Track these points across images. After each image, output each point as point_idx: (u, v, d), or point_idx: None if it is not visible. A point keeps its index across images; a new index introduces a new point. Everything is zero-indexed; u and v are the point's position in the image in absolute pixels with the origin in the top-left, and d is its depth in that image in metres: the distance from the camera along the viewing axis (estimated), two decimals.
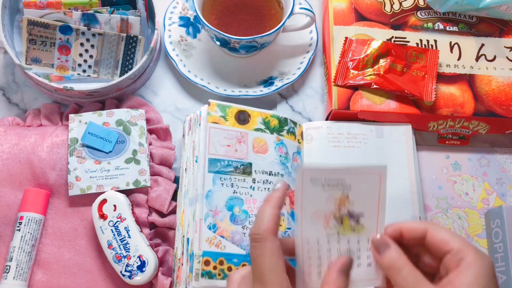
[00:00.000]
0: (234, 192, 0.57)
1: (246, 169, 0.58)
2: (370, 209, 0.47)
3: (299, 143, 0.63)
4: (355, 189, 0.47)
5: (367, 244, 0.47)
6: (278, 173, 0.59)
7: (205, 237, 0.55)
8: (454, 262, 0.45)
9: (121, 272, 0.57)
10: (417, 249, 0.48)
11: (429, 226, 0.47)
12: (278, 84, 0.68)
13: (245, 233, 0.56)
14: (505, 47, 0.69)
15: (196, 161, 0.59)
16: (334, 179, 0.47)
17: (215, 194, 0.57)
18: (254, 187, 0.58)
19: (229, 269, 0.54)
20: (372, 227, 0.47)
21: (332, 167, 0.47)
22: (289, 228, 0.58)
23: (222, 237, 0.55)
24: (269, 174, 0.59)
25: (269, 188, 0.58)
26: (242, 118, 0.61)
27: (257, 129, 0.61)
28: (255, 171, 0.59)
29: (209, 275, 0.53)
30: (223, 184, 0.57)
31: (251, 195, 0.58)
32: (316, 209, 0.47)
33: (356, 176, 0.47)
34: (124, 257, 0.57)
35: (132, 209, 0.59)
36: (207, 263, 0.54)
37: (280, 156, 0.60)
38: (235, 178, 0.58)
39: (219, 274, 0.53)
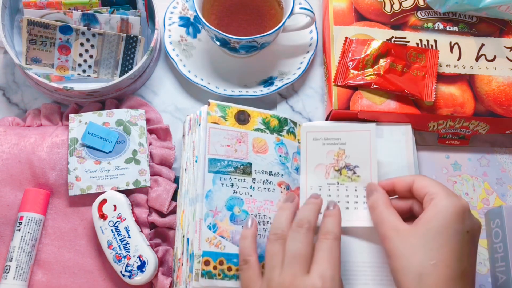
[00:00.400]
0: (234, 192, 0.57)
1: (246, 169, 0.58)
2: (364, 162, 0.59)
3: (299, 143, 0.63)
4: (349, 145, 0.60)
5: (363, 192, 0.58)
6: (278, 173, 0.59)
7: (205, 237, 0.55)
8: (427, 203, 0.51)
9: (121, 272, 0.57)
10: (410, 201, 0.55)
11: (416, 177, 0.54)
12: (278, 84, 0.68)
13: None
14: (505, 47, 0.69)
15: (196, 161, 0.59)
16: (331, 137, 0.60)
17: (215, 194, 0.57)
18: (254, 187, 0.58)
19: (229, 269, 0.54)
20: (367, 177, 0.59)
21: (330, 128, 0.61)
22: None
23: (222, 237, 0.55)
24: (269, 174, 0.59)
25: (269, 189, 0.58)
26: (242, 118, 0.61)
27: (257, 129, 0.61)
28: (255, 171, 0.59)
29: (209, 275, 0.53)
30: (223, 184, 0.57)
31: (251, 195, 0.58)
32: (318, 163, 0.60)
33: (349, 134, 0.60)
34: (124, 257, 0.57)
35: (132, 209, 0.59)
36: (207, 263, 0.54)
37: (280, 156, 0.60)
38: (235, 178, 0.58)
39: (219, 274, 0.54)
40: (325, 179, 0.60)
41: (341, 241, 0.53)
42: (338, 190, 0.59)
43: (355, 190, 0.59)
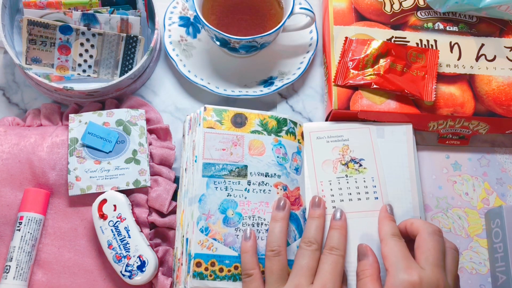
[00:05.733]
0: (228, 195, 0.57)
1: (241, 171, 0.59)
2: (368, 155, 0.62)
3: (299, 143, 0.63)
4: (352, 140, 0.63)
5: (372, 182, 0.61)
6: (275, 174, 0.59)
7: (197, 239, 0.55)
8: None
9: (121, 272, 0.57)
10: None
11: (382, 241, 0.55)
12: (278, 84, 0.68)
13: (238, 235, 0.56)
14: (505, 47, 0.69)
15: (195, 161, 0.59)
16: (334, 135, 0.63)
17: (209, 198, 0.57)
18: (249, 189, 0.58)
19: (221, 270, 0.55)
20: (373, 168, 0.62)
21: (332, 127, 0.64)
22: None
23: (215, 239, 0.55)
24: (265, 176, 0.59)
25: (264, 190, 0.58)
26: (239, 121, 0.61)
27: (253, 131, 0.61)
28: (250, 173, 0.59)
29: (201, 276, 0.54)
30: (217, 188, 0.57)
31: (245, 197, 0.58)
32: (325, 159, 0.62)
33: (351, 131, 0.63)
34: (124, 257, 0.57)
35: (132, 209, 0.59)
36: (198, 264, 0.54)
37: (278, 157, 0.60)
38: (230, 181, 0.58)
39: (211, 275, 0.54)
40: (333, 173, 0.61)
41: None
42: (347, 182, 0.61)
43: (364, 181, 0.61)
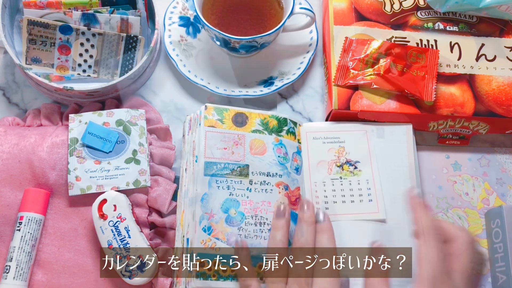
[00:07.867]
0: (230, 194, 0.57)
1: (242, 170, 0.59)
2: (364, 158, 0.62)
3: (299, 143, 0.63)
4: (348, 142, 0.63)
5: (367, 185, 0.61)
6: (276, 173, 0.59)
7: (199, 239, 0.55)
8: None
9: (121, 272, 0.57)
10: None
11: (418, 242, 0.53)
12: (278, 84, 0.68)
13: (240, 234, 0.56)
14: (505, 47, 0.69)
15: (196, 161, 0.59)
16: (331, 136, 0.63)
17: (211, 197, 0.57)
18: (250, 189, 0.58)
19: (224, 270, 0.54)
20: (368, 171, 0.61)
21: (328, 128, 0.64)
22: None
23: (217, 239, 0.55)
24: (267, 175, 0.59)
25: (266, 189, 0.58)
26: (240, 121, 0.61)
27: (254, 131, 0.61)
28: (252, 172, 0.59)
29: (204, 276, 0.54)
30: (219, 187, 0.57)
31: (247, 197, 0.58)
32: (320, 160, 0.62)
33: (347, 133, 0.63)
34: (124, 257, 0.57)
35: (132, 209, 0.59)
36: (201, 264, 0.54)
37: (279, 156, 0.60)
38: (231, 181, 0.58)
39: (214, 275, 0.54)
40: (328, 174, 0.61)
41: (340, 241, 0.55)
42: (342, 184, 0.61)
43: (358, 184, 0.61)
